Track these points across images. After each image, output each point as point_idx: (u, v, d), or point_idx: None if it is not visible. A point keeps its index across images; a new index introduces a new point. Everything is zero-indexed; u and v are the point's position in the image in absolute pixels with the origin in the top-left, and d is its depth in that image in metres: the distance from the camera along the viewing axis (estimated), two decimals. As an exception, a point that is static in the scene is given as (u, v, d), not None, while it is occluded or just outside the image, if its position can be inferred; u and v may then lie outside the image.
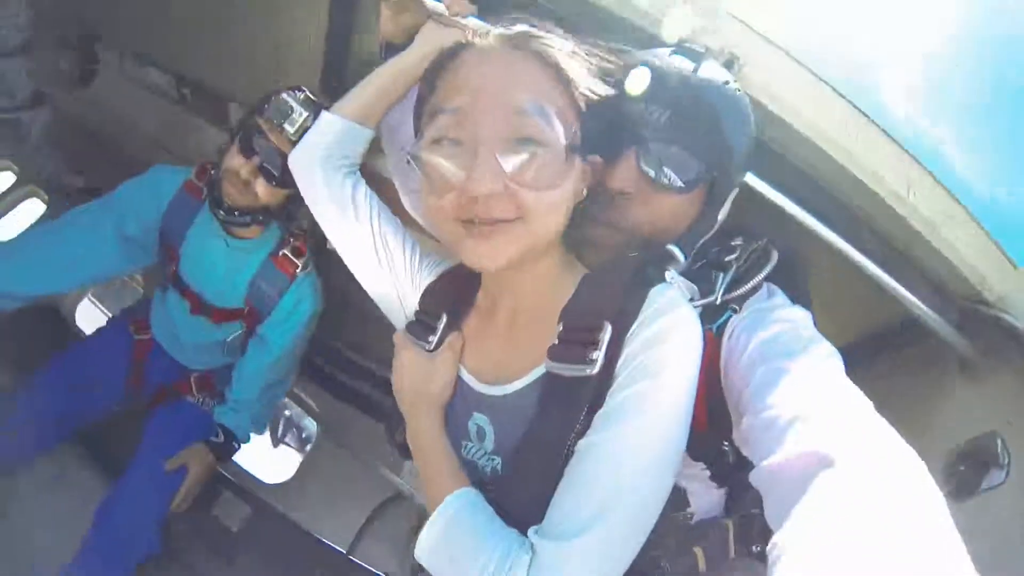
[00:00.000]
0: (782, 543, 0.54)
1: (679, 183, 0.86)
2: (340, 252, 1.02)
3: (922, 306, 1.24)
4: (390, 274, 0.97)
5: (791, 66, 1.08)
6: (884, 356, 1.46)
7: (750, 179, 1.05)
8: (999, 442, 1.30)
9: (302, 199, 1.04)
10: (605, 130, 0.81)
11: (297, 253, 1.79)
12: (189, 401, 1.98)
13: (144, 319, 2.03)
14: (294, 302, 1.81)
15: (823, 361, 0.74)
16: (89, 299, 3.89)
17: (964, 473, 1.33)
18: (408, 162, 0.75)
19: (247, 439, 1.95)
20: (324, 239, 1.05)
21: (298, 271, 1.79)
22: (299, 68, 1.75)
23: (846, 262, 1.18)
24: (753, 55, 1.03)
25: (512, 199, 0.69)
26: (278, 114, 1.46)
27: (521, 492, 0.76)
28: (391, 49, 1.18)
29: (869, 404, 0.69)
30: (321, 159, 1.00)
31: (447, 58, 0.76)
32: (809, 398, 0.68)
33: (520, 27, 0.75)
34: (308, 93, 1.51)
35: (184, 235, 1.80)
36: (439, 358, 0.87)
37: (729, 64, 0.99)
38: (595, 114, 0.76)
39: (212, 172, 1.74)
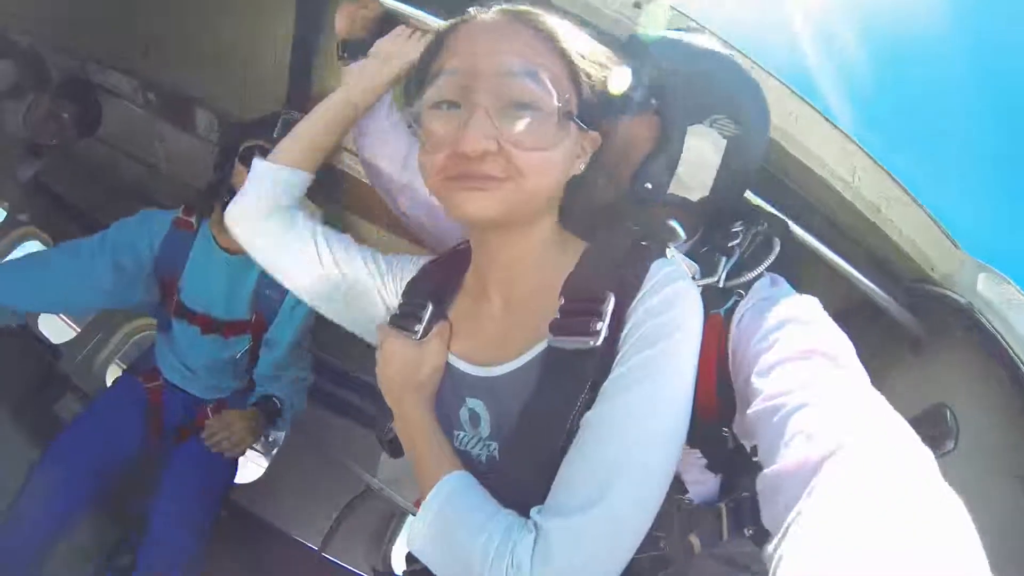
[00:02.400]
0: (784, 543, 0.53)
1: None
2: (302, 294, 1.03)
3: (872, 286, 1.29)
4: (365, 298, 0.99)
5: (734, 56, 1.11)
6: None
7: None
8: (948, 413, 1.36)
9: None
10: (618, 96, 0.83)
11: None
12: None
13: (151, 369, 2.12)
14: (295, 299, 1.88)
15: (829, 347, 0.73)
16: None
17: (917, 444, 1.39)
18: (410, 125, 0.78)
19: (286, 399, 2.03)
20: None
21: None
22: (266, 71, 1.75)
23: (797, 246, 1.21)
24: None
25: (504, 157, 0.71)
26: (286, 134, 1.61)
27: (522, 473, 0.75)
28: (349, 46, 1.20)
29: (871, 388, 0.68)
30: (266, 212, 1.02)
31: (444, 34, 0.79)
32: (815, 384, 0.67)
33: (520, 6, 0.78)
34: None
35: (182, 266, 1.96)
36: (427, 344, 0.87)
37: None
38: (607, 83, 0.79)
39: (226, 195, 1.83)
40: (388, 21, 1.20)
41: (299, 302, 1.91)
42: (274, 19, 1.57)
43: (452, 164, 0.73)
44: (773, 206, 1.16)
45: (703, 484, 0.96)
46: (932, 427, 1.37)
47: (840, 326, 1.47)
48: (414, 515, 0.79)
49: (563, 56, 0.75)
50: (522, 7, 0.77)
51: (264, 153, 1.61)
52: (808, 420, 0.62)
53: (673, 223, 0.89)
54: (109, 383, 3.11)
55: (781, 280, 0.91)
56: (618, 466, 0.66)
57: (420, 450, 0.81)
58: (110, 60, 2.18)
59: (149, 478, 2.09)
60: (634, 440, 0.67)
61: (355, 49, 1.19)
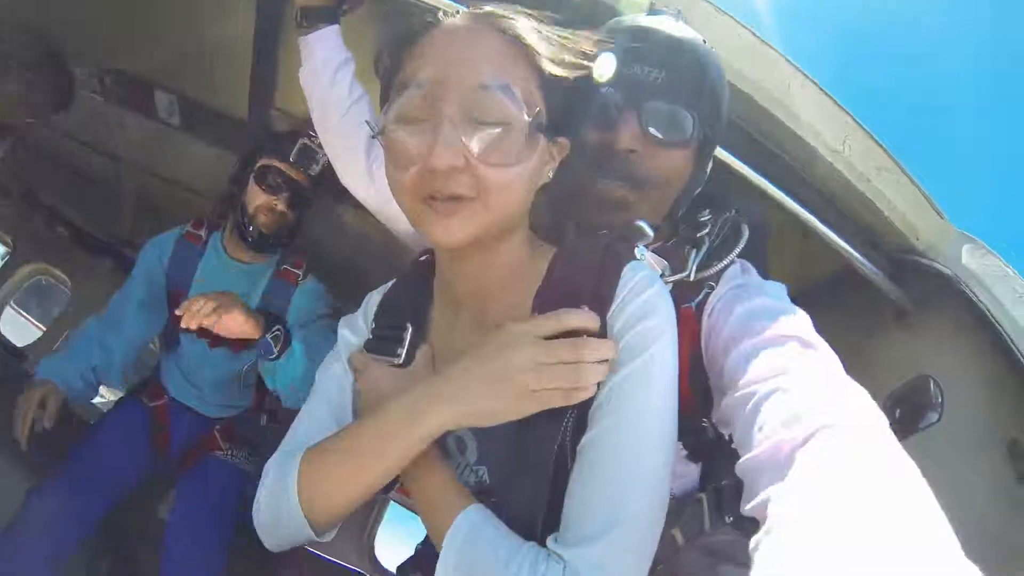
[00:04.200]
0: (763, 535, 0.54)
1: (681, 138, 0.88)
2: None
3: (857, 256, 1.29)
4: None
5: (729, 23, 1.10)
6: (821, 306, 1.52)
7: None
8: (932, 384, 1.37)
9: None
10: (599, 98, 0.84)
11: (296, 266, 2.00)
12: (217, 458, 2.00)
13: (155, 386, 2.08)
14: (300, 304, 1.96)
15: (799, 333, 0.74)
16: (12, 307, 3.70)
17: (901, 415, 1.40)
18: (374, 137, 0.73)
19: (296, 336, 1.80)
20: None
21: (299, 279, 1.98)
22: (228, 48, 1.68)
23: (784, 214, 1.22)
24: (692, 14, 1.04)
25: (472, 175, 0.68)
26: (305, 159, 1.76)
27: (515, 496, 0.74)
28: (308, 14, 1.13)
29: (843, 371, 0.70)
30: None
31: (410, 38, 0.73)
32: (785, 371, 0.68)
33: (488, 8, 0.73)
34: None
35: (191, 279, 1.94)
36: (415, 372, 0.81)
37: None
38: (582, 85, 0.75)
39: (237, 213, 1.88)
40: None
41: (302, 307, 1.94)
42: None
43: (422, 182, 0.69)
44: (762, 174, 1.15)
45: (684, 476, 0.97)
46: (917, 397, 1.39)
47: (825, 295, 1.49)
48: (397, 503, 0.76)
49: (534, 62, 0.71)
50: (488, 9, 0.73)
51: (279, 175, 1.76)
52: (780, 407, 0.64)
53: (640, 222, 0.87)
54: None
55: (751, 268, 0.92)
56: (627, 485, 0.66)
57: (427, 484, 0.76)
58: (64, 42, 2.07)
59: (155, 500, 2.11)
60: (637, 456, 0.67)
61: (315, 17, 1.13)
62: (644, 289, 0.73)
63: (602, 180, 0.88)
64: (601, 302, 0.73)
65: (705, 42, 0.93)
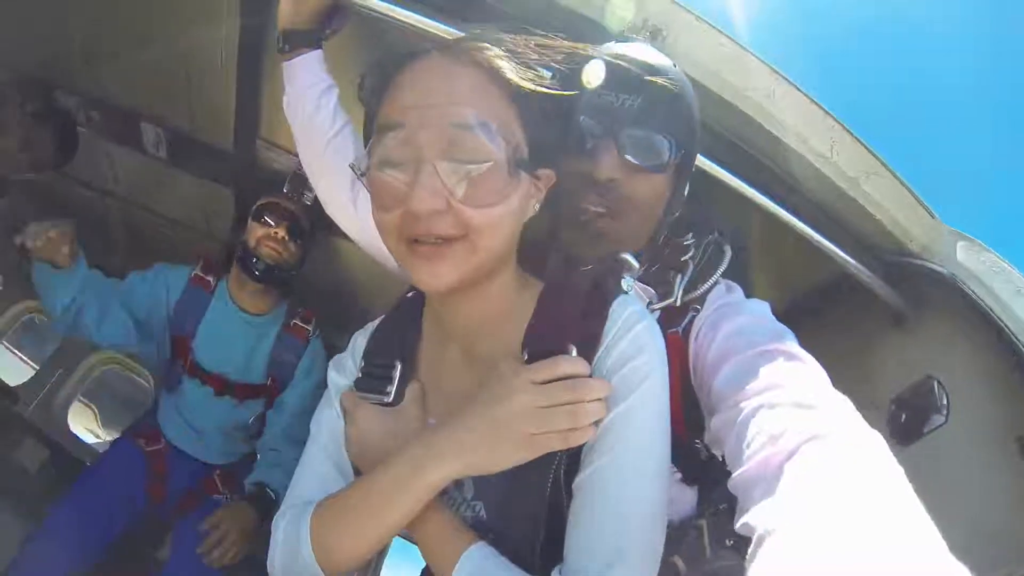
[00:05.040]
0: (757, 535, 0.55)
1: (659, 163, 0.89)
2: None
3: (852, 261, 1.29)
4: None
5: (713, 35, 1.10)
6: (818, 314, 1.51)
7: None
8: (935, 385, 1.36)
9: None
10: (576, 128, 0.85)
11: (305, 320, 2.05)
12: (214, 501, 1.99)
13: (150, 430, 2.06)
14: (310, 362, 2.02)
15: (783, 348, 0.76)
16: (4, 345, 3.68)
17: (907, 420, 1.39)
18: (358, 178, 0.73)
19: (283, 490, 1.90)
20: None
21: (309, 335, 2.03)
22: (212, 81, 1.68)
23: (776, 224, 1.21)
24: (675, 26, 1.04)
25: (455, 216, 0.67)
26: (297, 188, 1.88)
27: (512, 530, 0.76)
28: (291, 39, 1.13)
29: (828, 383, 0.71)
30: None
31: (390, 74, 0.74)
32: (770, 388, 0.70)
33: (464, 37, 0.73)
34: None
35: (196, 326, 1.96)
36: (405, 411, 0.82)
37: (654, 35, 1.01)
38: (560, 115, 0.76)
39: (240, 253, 1.91)
40: (339, 12, 1.14)
41: (312, 365, 2.01)
42: (218, 22, 1.49)
43: (405, 225, 0.69)
44: (750, 184, 1.15)
45: (679, 501, 0.98)
46: (921, 400, 1.38)
47: (820, 304, 1.49)
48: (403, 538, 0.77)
49: (512, 94, 0.71)
50: (458, 38, 0.73)
51: (275, 208, 1.82)
52: (767, 422, 0.66)
53: (626, 255, 0.88)
54: (72, 424, 3.00)
55: (735, 287, 0.94)
56: (625, 519, 0.68)
57: (429, 525, 0.76)
58: (47, 75, 2.06)
59: (152, 543, 2.11)
60: (633, 491, 0.69)
61: (297, 41, 1.13)
62: (633, 326, 0.73)
63: (584, 210, 0.89)
64: (591, 342, 0.73)
65: (676, 65, 0.93)
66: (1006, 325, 1.24)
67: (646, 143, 0.88)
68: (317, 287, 2.11)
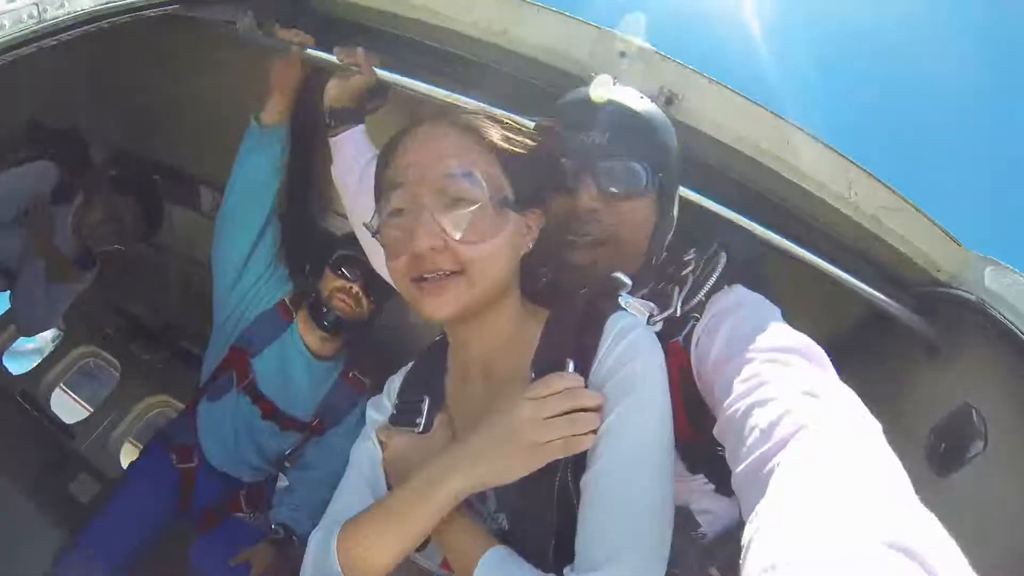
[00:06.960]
0: (751, 533, 0.55)
1: (636, 188, 0.96)
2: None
3: (880, 297, 1.29)
4: None
5: (726, 94, 1.16)
6: (852, 352, 1.50)
7: (708, 203, 1.13)
8: (973, 413, 1.35)
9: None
10: (556, 169, 0.94)
11: (364, 373, 2.07)
12: (236, 519, 2.04)
13: (185, 445, 2.08)
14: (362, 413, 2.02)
15: (777, 343, 0.79)
16: (61, 388, 3.86)
17: (946, 449, 1.37)
18: (373, 236, 0.86)
19: (307, 534, 1.94)
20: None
21: (366, 388, 2.05)
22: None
23: (804, 268, 1.24)
24: (689, 90, 1.11)
25: (453, 254, 0.79)
26: None
27: (532, 537, 0.81)
28: (336, 116, 1.24)
29: (821, 371, 0.74)
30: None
31: (392, 144, 0.87)
32: (763, 382, 0.72)
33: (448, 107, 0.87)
34: None
35: (262, 349, 1.99)
36: (433, 437, 0.90)
37: (669, 101, 1.07)
38: (540, 161, 0.88)
39: (312, 299, 1.95)
40: (378, 91, 1.24)
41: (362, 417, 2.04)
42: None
43: (411, 266, 0.80)
44: (771, 230, 1.19)
45: (713, 513, 0.99)
46: (959, 429, 1.36)
47: (853, 340, 1.48)
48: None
49: (492, 147, 0.83)
50: (448, 108, 0.85)
51: (355, 263, 1.83)
52: (759, 418, 0.67)
53: (617, 274, 0.93)
54: (123, 462, 3.12)
55: (738, 286, 0.95)
56: (629, 514, 0.73)
57: (451, 530, 0.82)
58: (117, 141, 2.21)
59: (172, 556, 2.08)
60: (636, 487, 0.74)
61: (342, 118, 1.24)
62: (626, 334, 0.81)
63: (573, 242, 0.95)
64: (587, 354, 0.81)
65: (642, 97, 1.00)
66: (1038, 347, 1.22)
67: (620, 171, 0.95)
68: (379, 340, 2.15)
